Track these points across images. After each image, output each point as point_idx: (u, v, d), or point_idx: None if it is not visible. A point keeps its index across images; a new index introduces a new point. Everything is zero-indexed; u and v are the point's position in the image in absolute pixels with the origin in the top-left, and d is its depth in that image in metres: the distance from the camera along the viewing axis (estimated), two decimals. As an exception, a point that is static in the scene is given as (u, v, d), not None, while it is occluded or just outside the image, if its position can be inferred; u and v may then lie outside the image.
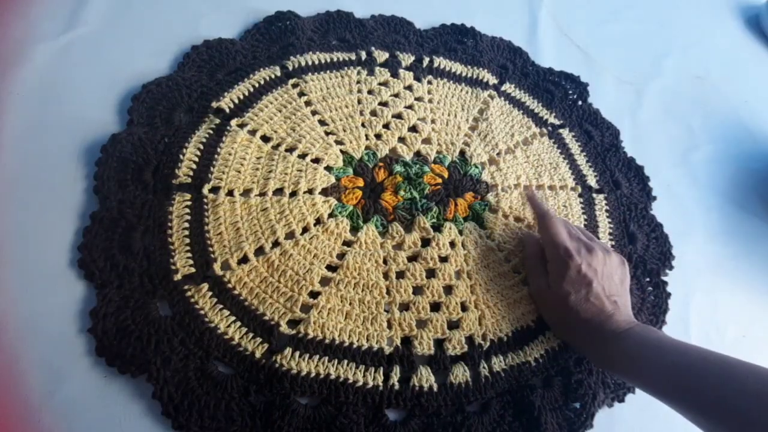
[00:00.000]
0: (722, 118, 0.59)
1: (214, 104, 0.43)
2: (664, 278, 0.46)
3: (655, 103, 0.58)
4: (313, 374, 0.34)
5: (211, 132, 0.42)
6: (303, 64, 0.47)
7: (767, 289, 0.49)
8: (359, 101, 0.47)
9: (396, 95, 0.48)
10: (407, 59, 0.51)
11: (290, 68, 0.47)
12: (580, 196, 0.48)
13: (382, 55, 0.50)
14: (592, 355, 0.37)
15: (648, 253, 0.47)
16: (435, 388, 0.35)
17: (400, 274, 0.39)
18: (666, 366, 0.32)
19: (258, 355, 0.34)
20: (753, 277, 0.49)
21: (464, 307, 0.39)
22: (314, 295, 0.37)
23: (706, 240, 0.50)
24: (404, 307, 0.38)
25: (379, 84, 0.48)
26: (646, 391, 0.34)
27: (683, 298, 0.46)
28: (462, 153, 0.47)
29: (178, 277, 0.35)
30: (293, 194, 0.41)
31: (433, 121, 0.48)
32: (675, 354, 0.33)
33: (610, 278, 0.37)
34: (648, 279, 0.46)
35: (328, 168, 0.43)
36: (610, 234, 0.47)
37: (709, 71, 0.63)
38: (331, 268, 0.39)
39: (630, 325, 0.35)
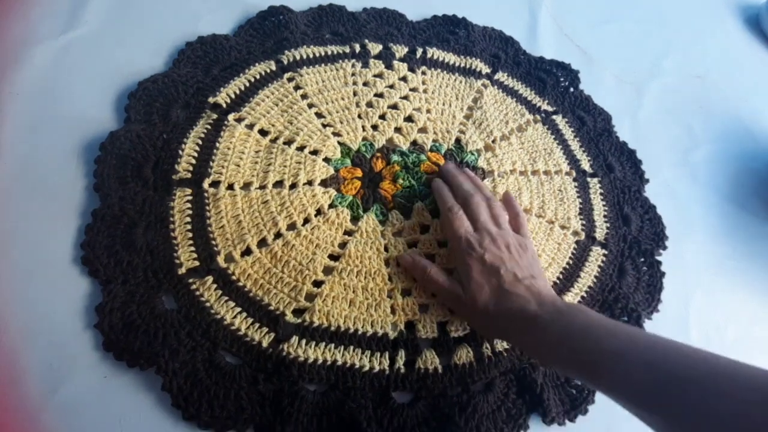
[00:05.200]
0: (722, 118, 0.60)
1: (211, 99, 0.43)
2: (658, 258, 0.47)
3: (655, 102, 0.58)
4: (320, 361, 0.35)
5: (208, 127, 0.42)
6: (298, 57, 0.48)
7: (767, 289, 0.49)
8: (355, 93, 0.47)
9: (391, 86, 0.49)
10: (401, 51, 0.51)
11: (285, 62, 0.47)
12: (574, 180, 0.49)
13: (375, 47, 0.51)
14: (526, 349, 0.35)
15: (642, 234, 0.48)
16: (440, 369, 0.36)
17: (402, 261, 0.40)
18: (594, 359, 0.29)
19: (265, 344, 0.34)
20: (753, 277, 0.49)
21: (465, 291, 0.39)
22: (318, 284, 0.38)
23: (706, 240, 0.50)
24: (406, 292, 0.39)
25: (374, 76, 0.49)
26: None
27: (683, 298, 0.46)
28: (458, 141, 0.48)
29: (182, 270, 0.36)
30: (293, 186, 0.41)
31: (428, 111, 0.48)
32: (605, 340, 0.29)
33: (521, 260, 0.36)
34: (642, 259, 0.47)
35: (327, 159, 0.43)
36: (605, 216, 0.48)
37: (709, 71, 0.63)
38: (334, 257, 0.39)
39: (555, 307, 0.32)
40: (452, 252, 0.38)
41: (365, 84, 0.48)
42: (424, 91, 0.50)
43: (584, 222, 0.47)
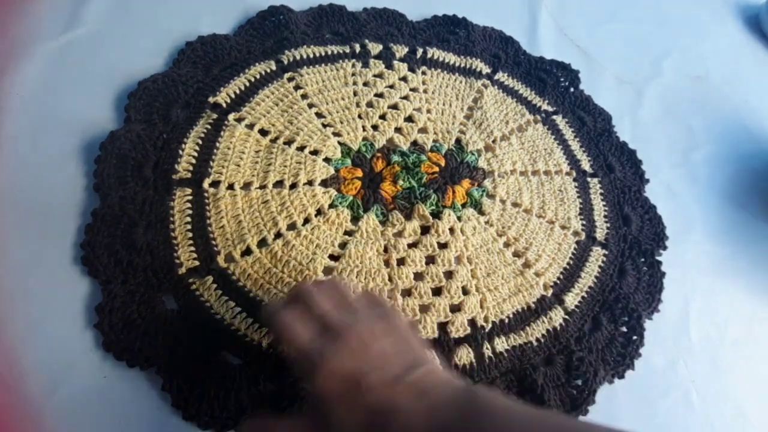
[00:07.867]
0: (722, 118, 0.59)
1: (211, 99, 0.43)
2: (658, 258, 0.47)
3: (655, 103, 0.58)
4: (320, 361, 0.34)
5: (209, 127, 0.42)
6: (298, 57, 0.48)
7: (767, 288, 0.49)
8: (355, 93, 0.47)
9: (391, 86, 0.49)
10: (401, 51, 0.51)
11: (285, 62, 0.47)
12: (574, 180, 0.49)
13: (375, 47, 0.50)
14: None
15: (642, 234, 0.48)
16: (440, 370, 0.36)
17: (401, 261, 0.40)
18: None
19: (265, 344, 0.34)
20: (753, 277, 0.49)
21: (465, 291, 0.39)
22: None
23: (706, 240, 0.50)
24: (406, 292, 0.39)
25: (374, 76, 0.49)
26: None
27: (683, 298, 0.46)
28: (458, 141, 0.48)
29: (182, 270, 0.36)
30: (293, 186, 0.41)
31: (428, 111, 0.48)
32: None
33: (384, 357, 0.25)
34: (643, 259, 0.47)
35: (327, 159, 0.43)
36: (605, 216, 0.48)
37: (709, 71, 0.63)
38: (334, 257, 0.39)
39: (452, 412, 0.23)
40: (299, 378, 0.30)
41: (365, 84, 0.48)
42: (425, 91, 0.50)
43: (584, 222, 0.47)
